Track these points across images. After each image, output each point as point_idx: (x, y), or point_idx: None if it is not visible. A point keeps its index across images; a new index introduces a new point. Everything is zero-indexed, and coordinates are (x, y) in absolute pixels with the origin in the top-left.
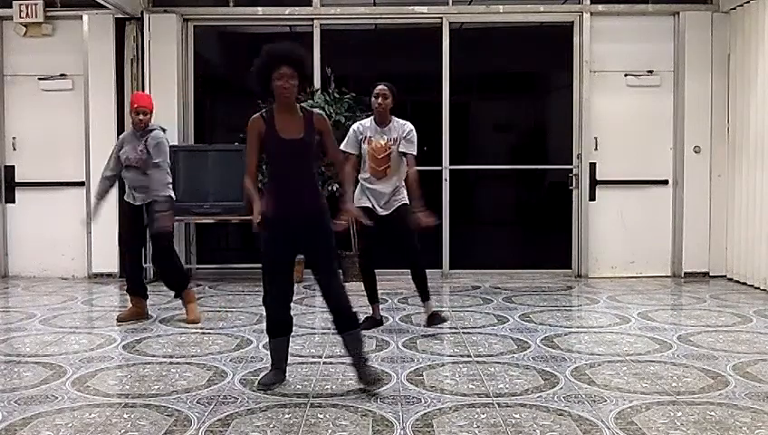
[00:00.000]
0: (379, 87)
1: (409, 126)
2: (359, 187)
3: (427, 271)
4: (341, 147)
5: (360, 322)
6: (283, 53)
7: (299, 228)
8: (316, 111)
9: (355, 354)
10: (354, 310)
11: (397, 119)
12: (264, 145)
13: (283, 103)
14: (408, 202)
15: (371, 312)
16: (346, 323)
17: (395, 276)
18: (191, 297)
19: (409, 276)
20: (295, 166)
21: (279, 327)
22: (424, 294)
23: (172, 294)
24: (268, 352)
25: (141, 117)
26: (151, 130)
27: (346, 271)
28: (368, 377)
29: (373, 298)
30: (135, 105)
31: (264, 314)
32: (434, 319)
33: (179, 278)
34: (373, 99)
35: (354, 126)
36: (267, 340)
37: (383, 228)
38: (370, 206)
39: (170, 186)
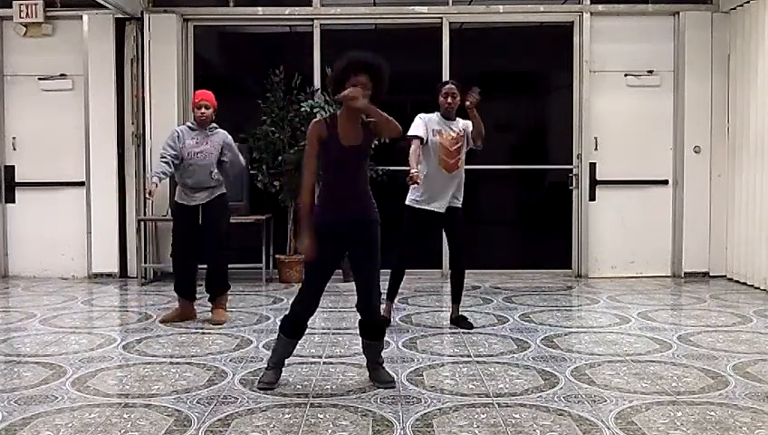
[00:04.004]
0: (448, 86)
1: (468, 123)
2: (425, 185)
3: (427, 271)
4: (411, 132)
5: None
6: (361, 61)
7: (348, 235)
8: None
9: (371, 359)
10: (383, 322)
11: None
12: (323, 150)
13: (351, 111)
14: (461, 206)
15: (384, 309)
16: (372, 333)
17: None
18: (225, 304)
19: (409, 277)
20: (352, 174)
21: (297, 328)
22: (457, 297)
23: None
24: (270, 351)
25: (204, 111)
26: (216, 129)
27: (346, 271)
28: (380, 379)
29: (392, 296)
30: (198, 99)
31: (287, 312)
32: (461, 322)
33: (225, 280)
34: (442, 98)
35: (421, 115)
36: (276, 337)
37: (430, 228)
38: (435, 208)
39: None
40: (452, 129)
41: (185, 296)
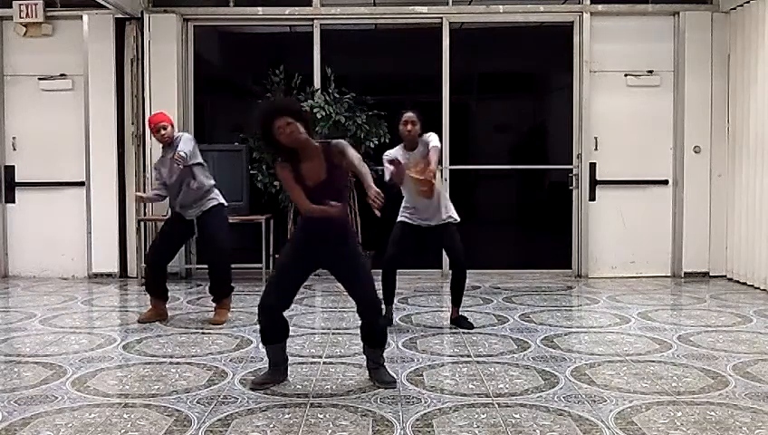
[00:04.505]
0: (407, 114)
1: (432, 136)
2: (413, 209)
3: (427, 271)
4: (387, 176)
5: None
6: (275, 108)
7: (324, 251)
8: (333, 142)
9: (372, 361)
10: (384, 329)
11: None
12: None
13: (305, 152)
14: (458, 219)
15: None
16: (372, 340)
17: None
18: (227, 305)
19: (409, 277)
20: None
21: (274, 334)
22: (457, 300)
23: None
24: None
25: (163, 132)
26: (177, 139)
27: None
28: (380, 379)
29: (389, 300)
30: (151, 125)
31: (258, 319)
32: (461, 322)
33: (228, 286)
34: (402, 126)
35: (387, 153)
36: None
37: (422, 240)
38: (427, 223)
39: (215, 190)
40: (416, 158)
41: (156, 296)
